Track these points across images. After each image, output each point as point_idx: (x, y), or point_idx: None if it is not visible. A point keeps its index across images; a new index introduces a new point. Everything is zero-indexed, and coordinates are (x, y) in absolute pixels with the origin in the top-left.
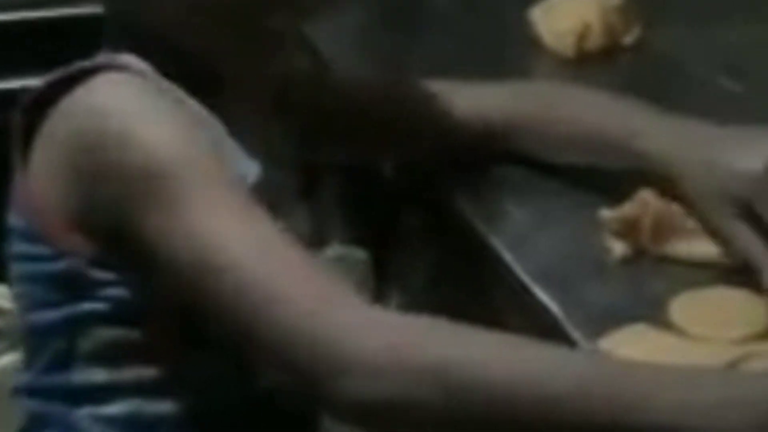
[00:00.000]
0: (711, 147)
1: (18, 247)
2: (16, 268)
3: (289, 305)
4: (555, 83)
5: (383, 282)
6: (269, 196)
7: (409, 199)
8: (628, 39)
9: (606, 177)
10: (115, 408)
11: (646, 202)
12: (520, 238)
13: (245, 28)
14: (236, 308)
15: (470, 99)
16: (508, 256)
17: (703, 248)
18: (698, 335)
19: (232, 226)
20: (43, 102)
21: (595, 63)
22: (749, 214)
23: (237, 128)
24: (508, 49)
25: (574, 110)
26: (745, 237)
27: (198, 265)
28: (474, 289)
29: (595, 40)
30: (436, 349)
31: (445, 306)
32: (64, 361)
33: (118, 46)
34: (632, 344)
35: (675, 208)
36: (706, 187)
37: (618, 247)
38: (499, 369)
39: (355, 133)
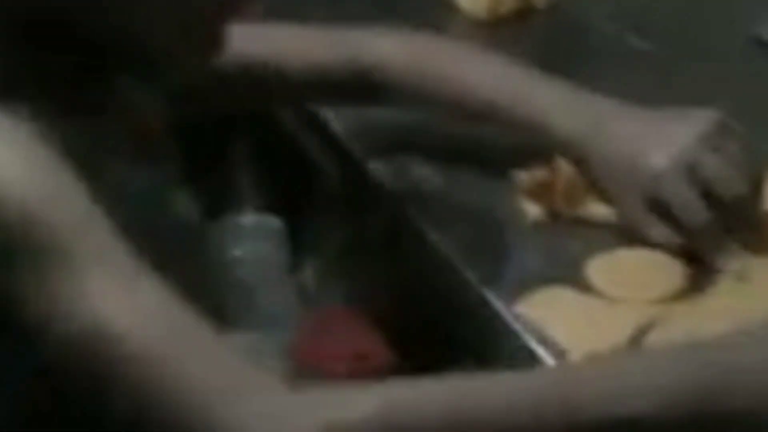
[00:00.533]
0: (617, 137)
1: None
2: None
3: (191, 393)
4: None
5: (298, 250)
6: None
7: (321, 166)
8: (541, 1)
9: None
10: None
11: (559, 164)
12: (435, 202)
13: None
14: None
15: (348, 42)
16: (422, 222)
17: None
18: (614, 296)
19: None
20: None
21: (508, 25)
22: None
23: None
24: (422, 11)
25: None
26: (652, 228)
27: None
28: (389, 256)
29: (508, 3)
30: None
31: (361, 273)
32: None
33: None
34: (549, 306)
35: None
36: (611, 177)
37: (532, 210)
38: None
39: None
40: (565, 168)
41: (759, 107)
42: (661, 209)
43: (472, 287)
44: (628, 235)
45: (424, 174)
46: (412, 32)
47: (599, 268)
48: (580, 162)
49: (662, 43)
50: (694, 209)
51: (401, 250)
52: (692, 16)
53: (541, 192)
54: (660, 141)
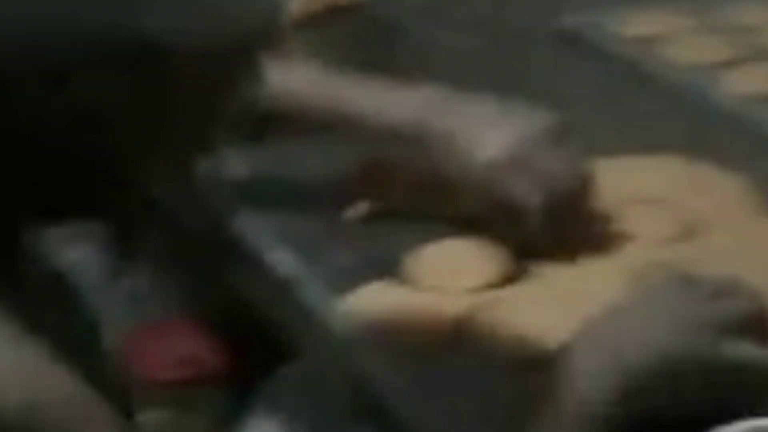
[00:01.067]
0: (454, 127)
1: None
2: None
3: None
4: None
5: (127, 255)
6: None
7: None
8: None
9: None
10: None
11: (385, 159)
12: (254, 200)
13: None
14: None
15: None
16: (243, 219)
17: (438, 203)
18: (434, 287)
19: None
20: None
21: (319, 24)
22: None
23: None
24: None
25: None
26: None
27: None
28: (212, 254)
29: (317, 1)
30: None
31: (189, 278)
32: None
33: None
34: (372, 301)
35: (408, 167)
36: (448, 166)
37: (357, 205)
38: None
39: None
40: (389, 164)
41: (564, 96)
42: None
43: (294, 284)
44: (458, 226)
45: (240, 168)
46: None
47: (419, 260)
48: (415, 153)
49: (473, 37)
50: (525, 196)
51: (223, 248)
52: (498, 10)
53: (366, 187)
54: (496, 131)
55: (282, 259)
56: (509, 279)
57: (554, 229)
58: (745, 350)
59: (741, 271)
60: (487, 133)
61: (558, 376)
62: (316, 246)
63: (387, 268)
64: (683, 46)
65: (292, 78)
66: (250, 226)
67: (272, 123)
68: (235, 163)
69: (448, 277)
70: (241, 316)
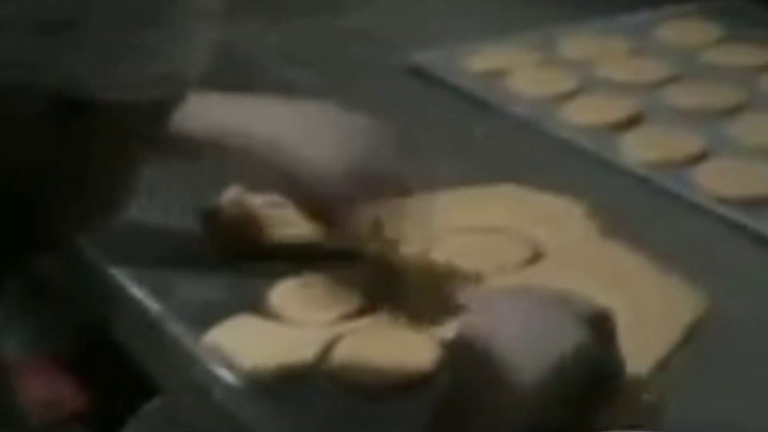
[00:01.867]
0: (296, 145)
1: None
2: None
3: None
4: None
5: None
6: None
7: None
8: None
9: (198, 174)
10: None
11: (239, 198)
12: (115, 237)
13: None
14: None
15: None
16: (104, 257)
17: (297, 237)
18: (296, 320)
19: None
20: None
21: None
22: None
23: None
24: None
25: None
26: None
27: None
28: (72, 292)
29: None
30: None
31: (45, 313)
32: None
33: None
34: (235, 335)
35: (261, 200)
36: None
37: (216, 243)
38: None
39: None
40: (246, 198)
41: (411, 129)
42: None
43: (156, 321)
44: (316, 261)
45: None
46: None
47: (282, 294)
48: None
49: (326, 74)
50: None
51: (84, 286)
52: (352, 48)
53: (224, 225)
54: (315, 133)
55: (144, 295)
56: (367, 310)
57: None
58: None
59: (586, 293)
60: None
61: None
62: (178, 281)
63: (249, 302)
64: (527, 79)
65: None
66: (113, 262)
67: None
68: None
69: (308, 311)
70: (103, 353)
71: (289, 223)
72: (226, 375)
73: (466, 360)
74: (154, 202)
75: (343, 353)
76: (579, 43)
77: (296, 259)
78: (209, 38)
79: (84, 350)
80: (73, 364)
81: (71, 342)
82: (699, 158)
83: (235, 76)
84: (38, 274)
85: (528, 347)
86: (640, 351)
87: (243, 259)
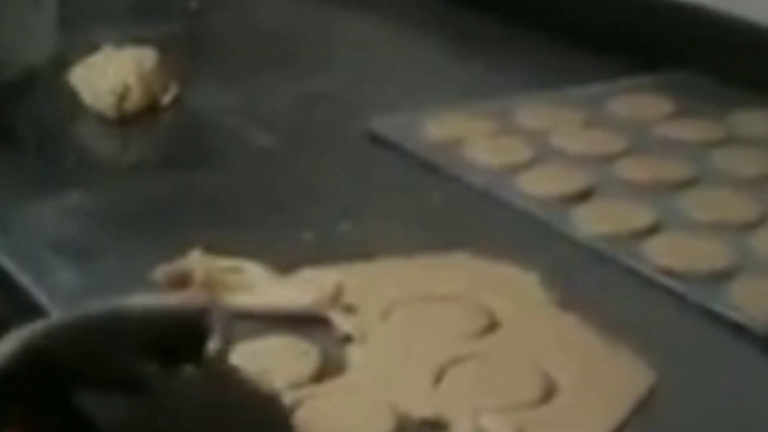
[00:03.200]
0: None
1: None
2: None
3: None
4: None
5: None
6: None
7: None
8: (167, 98)
9: (155, 230)
10: None
11: (197, 257)
12: (72, 296)
13: None
14: None
15: None
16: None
17: (253, 300)
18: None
19: None
20: None
21: (136, 122)
22: None
23: None
24: (50, 110)
25: None
26: None
27: None
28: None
29: (134, 101)
30: None
31: None
32: None
33: None
34: None
35: (224, 264)
36: None
37: None
38: None
39: None
40: (204, 259)
41: (363, 195)
42: None
43: None
44: (274, 322)
45: (55, 268)
46: None
47: (243, 357)
48: None
49: (285, 137)
50: None
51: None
52: (311, 112)
53: (179, 285)
54: None
55: None
56: (327, 372)
57: None
58: None
59: (538, 360)
60: None
61: None
62: None
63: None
64: (483, 147)
65: None
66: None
67: None
68: (54, 259)
69: (267, 374)
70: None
71: (249, 287)
72: None
73: None
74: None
75: (301, 419)
76: (535, 113)
77: (256, 322)
78: (47, 27)
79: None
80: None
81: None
82: (650, 231)
83: (191, 134)
84: None
85: None
86: (588, 423)
87: None
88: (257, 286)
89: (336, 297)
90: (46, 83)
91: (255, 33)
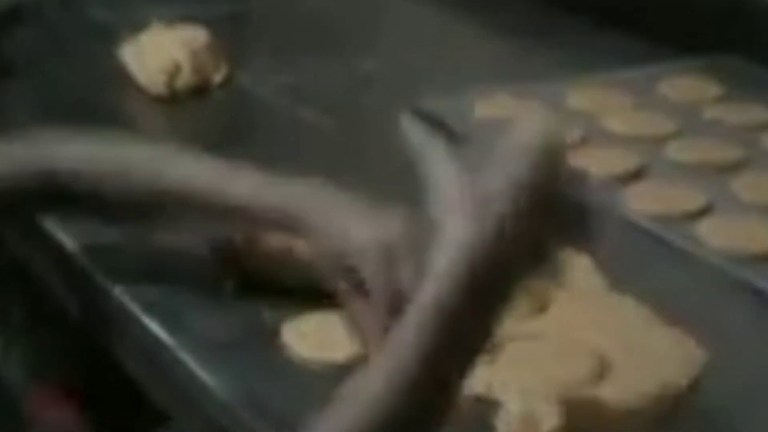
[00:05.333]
0: (326, 211)
1: None
2: None
3: None
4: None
5: None
6: None
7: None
8: (218, 77)
9: None
10: None
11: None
12: (124, 265)
13: None
14: None
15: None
16: (114, 288)
17: (312, 276)
18: (308, 358)
19: None
20: None
21: (186, 101)
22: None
23: None
24: (100, 89)
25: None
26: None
27: None
28: (85, 323)
29: (185, 79)
30: None
31: (45, 344)
32: None
33: None
34: None
35: (282, 240)
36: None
37: (228, 277)
38: None
39: None
40: (261, 236)
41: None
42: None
43: (167, 353)
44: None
45: (113, 237)
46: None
47: (296, 331)
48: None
49: (334, 116)
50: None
51: (92, 319)
52: (361, 92)
53: (235, 258)
54: (354, 230)
55: (155, 325)
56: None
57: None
58: None
59: (591, 341)
60: (352, 229)
61: None
62: (190, 314)
63: (261, 338)
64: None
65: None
66: (122, 294)
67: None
68: (106, 232)
69: (322, 349)
70: (108, 380)
71: (307, 261)
72: (239, 409)
73: None
74: (167, 237)
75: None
76: (583, 95)
77: (311, 296)
78: None
79: (89, 377)
80: (77, 392)
81: (75, 368)
82: (702, 213)
83: (243, 114)
84: (40, 297)
85: None
86: (641, 404)
87: (258, 294)
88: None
89: None
90: (96, 60)
91: (305, 14)
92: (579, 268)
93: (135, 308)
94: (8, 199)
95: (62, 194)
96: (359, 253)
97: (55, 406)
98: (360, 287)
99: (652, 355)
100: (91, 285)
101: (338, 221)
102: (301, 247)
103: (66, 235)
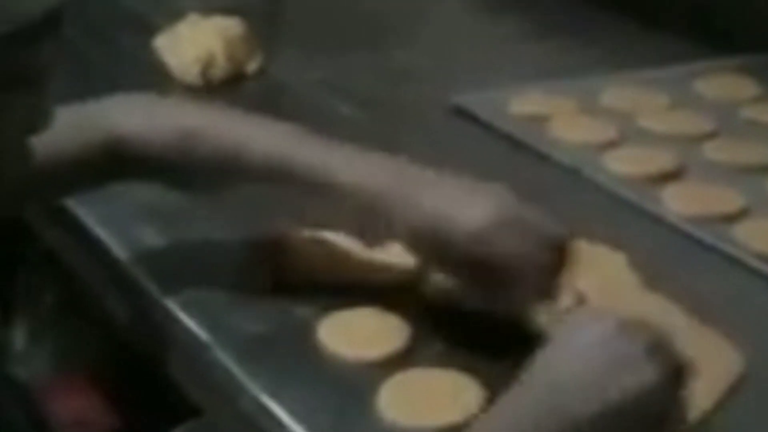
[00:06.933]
0: (423, 191)
1: None
2: None
3: None
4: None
5: (9, 308)
6: None
7: (32, 225)
8: (252, 67)
9: (239, 199)
10: None
11: (291, 229)
12: (158, 260)
13: None
14: None
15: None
16: (151, 285)
17: (345, 274)
18: (343, 355)
19: None
20: None
21: (221, 91)
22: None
23: None
24: (136, 78)
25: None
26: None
27: None
28: (104, 315)
29: (219, 69)
30: None
31: (74, 334)
32: None
33: None
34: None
35: (316, 235)
36: (417, 238)
37: (264, 275)
38: None
39: None
40: (295, 233)
41: (461, 170)
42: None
43: (206, 349)
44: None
45: (147, 233)
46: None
47: (332, 328)
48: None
49: (369, 109)
50: (521, 258)
51: (132, 313)
52: (395, 86)
53: (272, 256)
54: (471, 204)
55: (193, 322)
56: (416, 347)
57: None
58: None
59: None
60: (468, 202)
61: None
62: (227, 310)
63: (297, 335)
64: (568, 125)
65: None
66: (157, 289)
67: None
68: (144, 227)
69: (357, 346)
70: (135, 372)
71: (342, 257)
72: (269, 403)
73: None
74: (196, 226)
75: (390, 393)
76: (618, 93)
77: (346, 292)
78: None
79: (116, 368)
80: (104, 382)
81: (102, 360)
82: (739, 214)
83: (277, 105)
84: (70, 288)
85: (593, 381)
86: None
87: (293, 291)
88: (348, 255)
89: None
90: (128, 52)
91: (341, 6)
92: (614, 265)
93: (172, 305)
94: (74, 168)
95: (127, 162)
96: (487, 229)
97: (82, 396)
98: (459, 264)
99: (690, 356)
100: (129, 283)
101: (449, 197)
102: (335, 242)
103: (102, 230)
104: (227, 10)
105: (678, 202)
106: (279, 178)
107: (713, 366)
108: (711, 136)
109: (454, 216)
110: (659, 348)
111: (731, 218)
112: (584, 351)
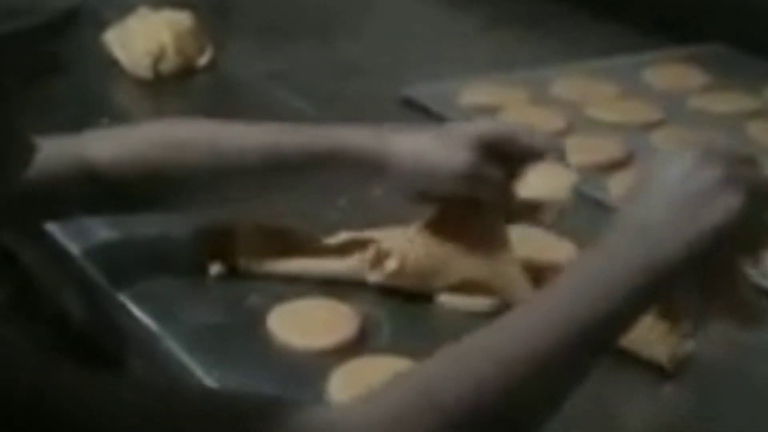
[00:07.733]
0: (415, 144)
1: None
2: None
3: None
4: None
5: None
6: None
7: None
8: (202, 60)
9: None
10: None
11: (237, 221)
12: (112, 255)
13: None
14: None
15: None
16: (102, 278)
17: (294, 264)
18: (294, 344)
19: None
20: None
21: (171, 84)
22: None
23: None
24: (86, 72)
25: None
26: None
27: None
28: (59, 312)
29: (170, 62)
30: None
31: (27, 329)
32: None
33: None
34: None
35: (266, 227)
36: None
37: (214, 266)
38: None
39: None
40: (244, 222)
41: None
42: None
43: (155, 340)
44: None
45: (98, 226)
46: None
47: (281, 317)
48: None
49: (319, 102)
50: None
51: (75, 303)
52: (345, 78)
53: (221, 247)
54: (451, 146)
55: (144, 315)
56: (364, 337)
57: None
58: None
59: None
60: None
61: None
62: (176, 302)
63: (246, 325)
64: (518, 115)
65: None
66: (108, 282)
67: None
68: (95, 221)
69: (305, 336)
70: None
71: (291, 248)
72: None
73: None
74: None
75: (341, 380)
76: (568, 83)
77: (296, 283)
78: None
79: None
80: None
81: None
82: None
83: (226, 97)
84: (25, 285)
85: (676, 219)
86: None
87: (243, 282)
88: (298, 246)
89: (378, 260)
90: (81, 44)
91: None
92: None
93: (123, 298)
94: (50, 199)
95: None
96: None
97: None
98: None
99: None
100: (82, 277)
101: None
102: (285, 233)
103: (55, 225)
104: (177, 4)
105: (623, 190)
106: (272, 165)
107: None
108: (659, 124)
109: (436, 160)
110: (737, 175)
111: None
112: (666, 191)
